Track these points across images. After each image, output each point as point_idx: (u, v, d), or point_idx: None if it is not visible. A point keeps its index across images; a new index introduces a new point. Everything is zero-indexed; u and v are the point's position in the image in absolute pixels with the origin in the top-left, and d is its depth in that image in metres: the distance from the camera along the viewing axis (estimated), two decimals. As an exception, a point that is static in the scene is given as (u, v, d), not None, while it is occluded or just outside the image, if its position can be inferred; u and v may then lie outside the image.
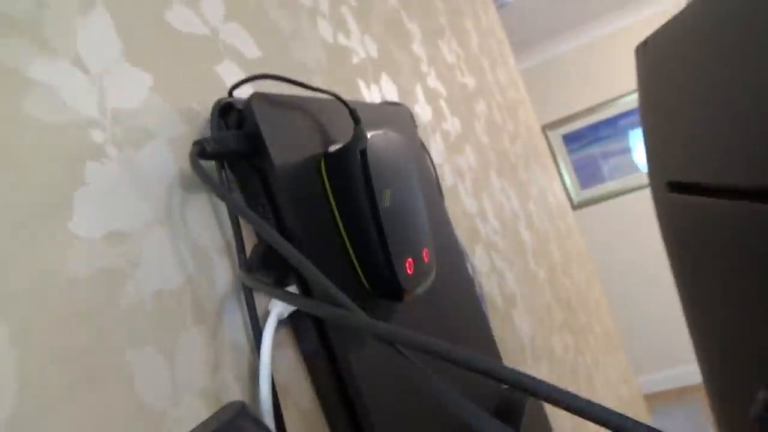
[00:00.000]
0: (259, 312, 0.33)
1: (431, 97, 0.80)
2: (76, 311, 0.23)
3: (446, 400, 0.19)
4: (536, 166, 1.60)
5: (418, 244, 0.38)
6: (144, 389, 0.24)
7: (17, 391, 0.20)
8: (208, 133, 0.33)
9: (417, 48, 0.81)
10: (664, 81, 0.42)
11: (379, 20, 0.70)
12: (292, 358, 0.34)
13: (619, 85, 3.39)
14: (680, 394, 3.36)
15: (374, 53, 0.64)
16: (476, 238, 0.77)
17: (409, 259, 0.36)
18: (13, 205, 0.22)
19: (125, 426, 0.23)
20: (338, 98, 0.38)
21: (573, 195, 3.51)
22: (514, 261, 0.93)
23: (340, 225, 0.35)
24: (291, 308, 0.32)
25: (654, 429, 0.17)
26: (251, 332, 0.31)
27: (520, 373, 0.18)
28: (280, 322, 0.34)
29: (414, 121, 0.57)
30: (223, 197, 0.28)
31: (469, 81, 1.08)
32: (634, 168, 3.39)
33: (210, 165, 0.33)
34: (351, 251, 0.35)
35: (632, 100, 3.34)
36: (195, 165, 0.28)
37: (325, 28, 0.54)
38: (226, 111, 0.33)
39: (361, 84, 0.58)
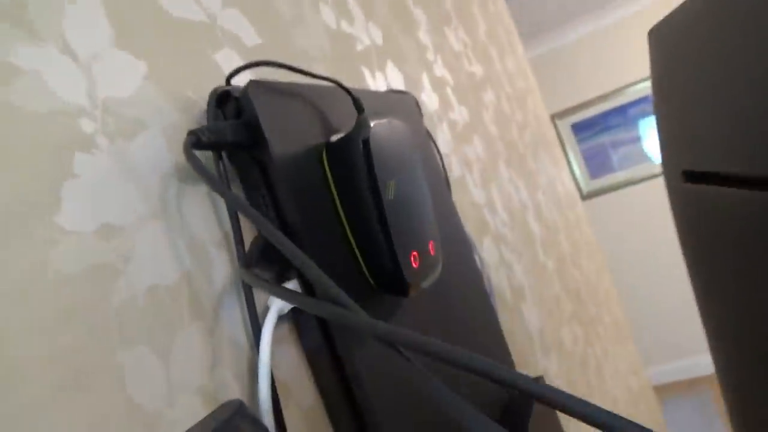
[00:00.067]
0: (259, 307, 0.32)
1: (438, 85, 0.78)
2: (64, 309, 0.22)
3: (445, 403, 0.18)
4: (545, 155, 1.58)
5: (424, 236, 0.37)
6: (137, 389, 0.23)
7: (1, 393, 0.19)
8: (204, 123, 0.32)
9: (423, 35, 0.79)
10: (679, 66, 0.40)
11: (383, 6, 0.68)
12: (293, 354, 0.33)
13: (628, 72, 3.34)
14: (691, 385, 3.34)
15: (379, 40, 0.63)
16: (484, 230, 0.75)
17: (415, 253, 0.35)
18: (-4, 198, 0.21)
19: (117, 428, 0.22)
20: (340, 86, 0.37)
21: (582, 185, 3.48)
22: (522, 252, 0.91)
23: (343, 218, 0.34)
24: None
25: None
26: (250, 328, 0.30)
27: (518, 375, 0.17)
28: (282, 318, 0.33)
29: (420, 109, 0.56)
30: (221, 193, 0.26)
31: (477, 69, 1.06)
32: (644, 157, 3.35)
33: (208, 156, 0.32)
34: (354, 245, 0.34)
35: (642, 88, 3.30)
36: (189, 156, 0.26)
37: (328, 14, 0.53)
38: (223, 100, 0.32)
39: (366, 72, 0.57)
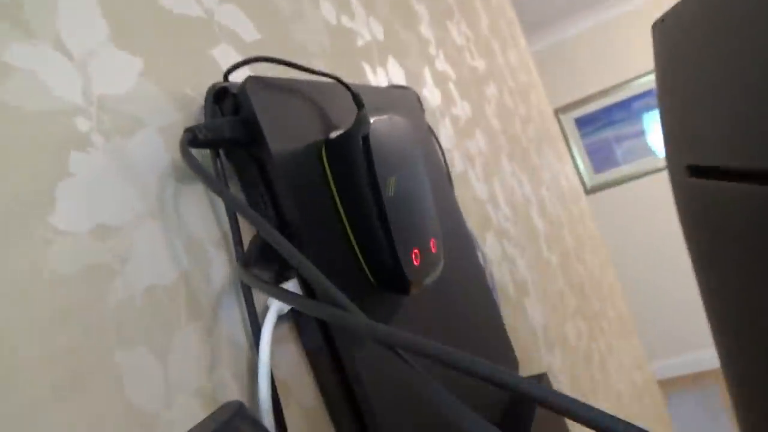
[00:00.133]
0: (259, 307, 0.31)
1: (440, 80, 0.77)
2: (60, 309, 0.21)
3: (445, 407, 0.17)
4: (548, 150, 1.57)
5: (425, 233, 0.37)
6: (134, 390, 0.23)
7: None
8: (202, 121, 0.32)
9: (425, 30, 0.79)
10: (684, 59, 0.39)
11: (384, 1, 0.68)
12: (294, 353, 0.33)
13: (632, 66, 3.32)
14: (696, 379, 3.33)
15: (380, 35, 0.62)
16: (487, 225, 0.75)
17: (416, 250, 0.35)
18: (-11, 198, 0.21)
19: (114, 429, 0.22)
20: (340, 81, 0.36)
21: (586, 179, 3.47)
22: (526, 247, 0.91)
23: (343, 216, 0.34)
24: (291, 302, 0.31)
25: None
26: (250, 328, 0.30)
27: (520, 379, 0.17)
28: (282, 317, 0.33)
29: (421, 105, 0.55)
30: (218, 192, 0.26)
31: (479, 64, 1.05)
32: (648, 151, 3.33)
33: (205, 153, 0.32)
34: (354, 243, 0.34)
35: (646, 82, 3.27)
36: (185, 154, 0.26)
37: (328, 10, 0.52)
38: (221, 96, 0.31)
39: (367, 68, 0.56)
